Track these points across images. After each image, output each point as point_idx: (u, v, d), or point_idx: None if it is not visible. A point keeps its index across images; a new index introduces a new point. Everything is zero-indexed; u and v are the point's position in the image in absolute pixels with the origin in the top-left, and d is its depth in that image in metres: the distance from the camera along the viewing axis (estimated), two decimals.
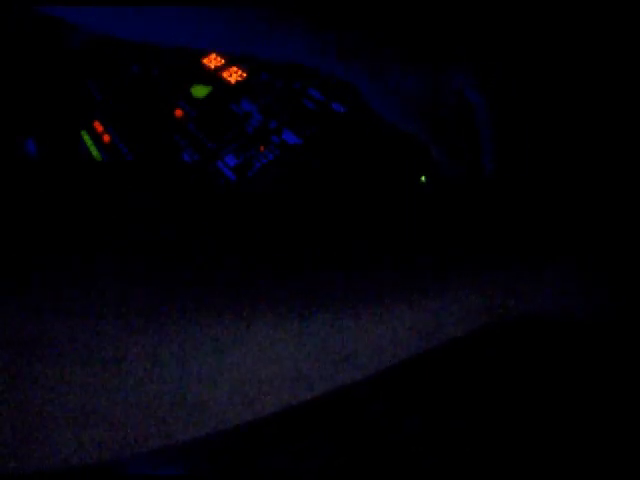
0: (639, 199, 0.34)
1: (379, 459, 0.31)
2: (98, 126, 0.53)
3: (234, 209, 0.31)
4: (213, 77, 0.55)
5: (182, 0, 0.40)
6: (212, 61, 0.57)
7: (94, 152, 0.51)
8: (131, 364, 0.21)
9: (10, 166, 0.30)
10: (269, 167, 0.45)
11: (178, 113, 0.52)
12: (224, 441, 0.30)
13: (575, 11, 0.45)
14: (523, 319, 0.29)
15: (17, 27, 0.60)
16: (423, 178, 0.42)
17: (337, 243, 0.29)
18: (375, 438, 0.31)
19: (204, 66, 0.57)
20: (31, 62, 0.59)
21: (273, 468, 0.31)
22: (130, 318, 0.22)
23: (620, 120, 0.41)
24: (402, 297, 0.26)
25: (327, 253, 0.27)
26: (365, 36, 0.39)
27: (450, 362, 0.33)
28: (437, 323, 0.26)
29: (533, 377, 0.33)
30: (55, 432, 0.21)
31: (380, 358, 0.26)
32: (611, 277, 0.30)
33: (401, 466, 0.31)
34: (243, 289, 0.24)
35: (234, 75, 0.55)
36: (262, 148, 0.47)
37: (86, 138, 0.52)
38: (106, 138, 0.52)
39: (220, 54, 0.57)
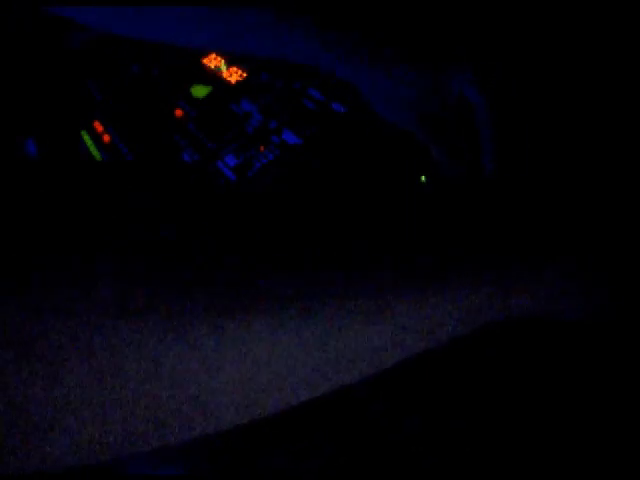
0: (639, 199, 0.34)
1: (379, 459, 0.31)
2: (98, 126, 0.53)
3: (234, 209, 0.31)
4: (213, 77, 0.55)
5: (183, 0, 0.40)
6: (212, 61, 0.57)
7: (94, 152, 0.51)
8: (131, 364, 0.21)
9: (10, 166, 0.30)
10: (269, 167, 0.45)
11: (178, 113, 0.52)
12: (224, 441, 0.30)
13: (575, 11, 0.45)
14: (523, 319, 0.29)
15: (17, 27, 0.60)
16: (423, 178, 0.42)
17: (337, 243, 0.29)
18: (375, 438, 0.31)
19: (204, 66, 0.57)
20: (31, 62, 0.59)
21: (273, 468, 0.31)
22: (130, 318, 0.22)
23: (620, 120, 0.41)
24: (402, 297, 0.26)
25: (327, 253, 0.27)
26: (365, 36, 0.39)
27: (450, 362, 0.33)
28: (437, 323, 0.26)
29: (533, 377, 0.33)
30: (55, 432, 0.21)
31: (380, 358, 0.26)
32: (611, 277, 0.30)
33: (401, 466, 0.31)
34: (243, 289, 0.24)
35: (234, 75, 0.55)
36: (262, 148, 0.47)
37: (86, 138, 0.52)
38: (106, 138, 0.52)
39: (220, 54, 0.57)
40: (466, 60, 0.39)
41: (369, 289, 0.26)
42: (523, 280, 0.28)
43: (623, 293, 0.30)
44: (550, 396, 0.32)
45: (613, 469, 0.29)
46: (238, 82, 0.54)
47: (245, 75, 0.54)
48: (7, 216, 0.23)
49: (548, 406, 0.32)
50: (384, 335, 0.25)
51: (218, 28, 0.41)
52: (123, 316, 0.22)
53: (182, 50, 0.57)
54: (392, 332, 0.25)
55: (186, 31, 0.42)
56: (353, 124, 0.47)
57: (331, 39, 0.39)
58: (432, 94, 0.39)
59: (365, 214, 0.40)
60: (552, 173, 0.39)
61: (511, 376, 0.33)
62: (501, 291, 0.27)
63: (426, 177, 0.42)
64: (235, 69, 0.55)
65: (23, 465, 0.21)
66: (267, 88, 0.52)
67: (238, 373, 0.23)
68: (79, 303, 0.21)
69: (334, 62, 0.40)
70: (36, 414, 0.20)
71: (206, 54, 0.58)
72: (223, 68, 0.56)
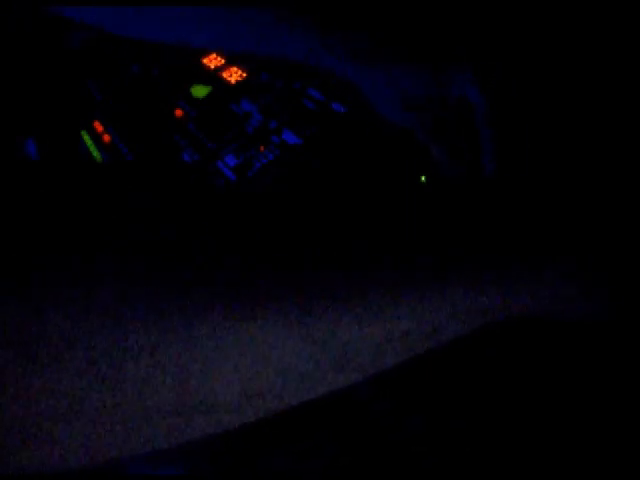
0: (639, 199, 0.34)
1: (382, 459, 0.31)
2: (98, 126, 0.53)
3: (234, 209, 0.31)
4: (213, 77, 0.55)
5: (188, 0, 0.40)
6: (212, 61, 0.57)
7: (94, 152, 0.51)
8: (131, 364, 0.21)
9: (10, 166, 0.30)
10: (269, 167, 0.45)
11: (178, 113, 0.52)
12: (224, 441, 0.30)
13: (575, 11, 0.45)
14: (523, 319, 0.29)
15: (17, 27, 0.60)
16: (423, 178, 0.42)
17: (337, 243, 0.29)
18: (377, 438, 0.31)
19: (204, 66, 0.57)
20: (31, 62, 0.59)
21: (274, 468, 0.31)
22: (130, 318, 0.22)
23: (620, 120, 0.41)
24: (402, 297, 0.26)
25: (327, 253, 0.27)
26: (365, 36, 0.39)
27: (450, 362, 0.33)
28: (437, 323, 0.26)
29: (533, 377, 0.33)
30: (55, 432, 0.21)
31: (380, 358, 0.26)
32: (611, 277, 0.30)
33: (403, 466, 0.31)
34: (243, 289, 0.24)
35: (234, 75, 0.55)
36: (262, 148, 0.47)
37: (86, 138, 0.52)
38: (106, 138, 0.52)
39: (220, 54, 0.57)
40: (466, 60, 0.39)
41: (369, 289, 0.26)
42: (523, 280, 0.28)
43: (623, 293, 0.30)
44: (550, 396, 0.32)
45: (613, 469, 0.29)
46: (238, 82, 0.54)
47: (245, 75, 0.54)
48: (7, 216, 0.23)
49: (548, 406, 0.32)
50: (384, 335, 0.25)
51: (218, 28, 0.41)
52: (123, 316, 0.22)
53: (182, 50, 0.57)
54: (392, 332, 0.25)
55: (186, 31, 0.42)
56: (353, 124, 0.47)
57: (331, 39, 0.39)
58: (432, 94, 0.39)
59: (365, 214, 0.40)
60: (552, 173, 0.39)
61: (511, 376, 0.33)
62: (501, 291, 0.27)
63: (426, 177, 0.42)
64: (235, 69, 0.55)
65: (23, 465, 0.21)
66: (267, 88, 0.52)
67: (238, 373, 0.23)
68: (79, 303, 0.21)
69: (334, 62, 0.40)
70: (36, 414, 0.20)
71: (206, 54, 0.58)
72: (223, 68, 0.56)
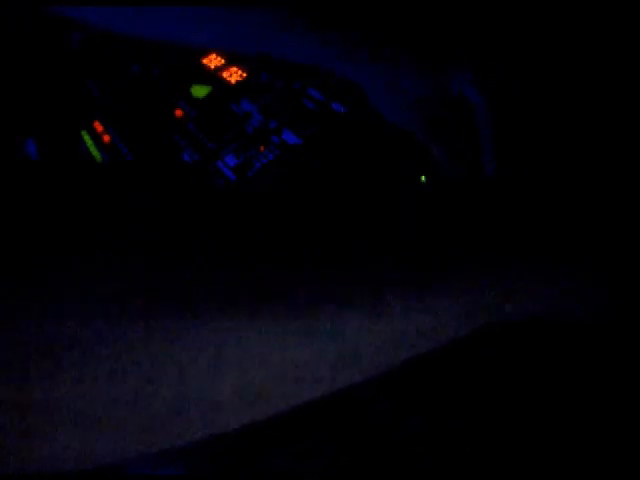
0: (639, 199, 0.34)
1: (382, 459, 0.31)
2: (98, 126, 0.53)
3: (234, 209, 0.31)
4: (213, 77, 0.55)
5: (188, 0, 0.40)
6: (212, 61, 0.57)
7: (94, 152, 0.51)
8: (131, 364, 0.21)
9: (10, 166, 0.30)
10: (269, 167, 0.45)
11: (178, 113, 0.52)
12: (225, 441, 0.30)
13: (575, 11, 0.45)
14: (523, 319, 0.29)
15: (17, 27, 0.60)
16: (423, 178, 0.42)
17: (337, 243, 0.29)
18: (378, 438, 0.31)
19: (204, 66, 0.57)
20: (31, 62, 0.59)
21: (274, 469, 0.31)
22: (130, 318, 0.22)
23: (620, 120, 0.41)
24: (402, 297, 0.26)
25: (327, 253, 0.27)
26: (365, 36, 0.39)
27: (450, 362, 0.33)
28: (437, 323, 0.26)
29: (533, 377, 0.33)
30: (55, 432, 0.21)
31: (380, 358, 0.26)
32: (611, 277, 0.30)
33: (404, 466, 0.31)
34: (243, 289, 0.24)
35: (234, 75, 0.55)
36: (262, 148, 0.47)
37: (86, 138, 0.52)
38: (106, 138, 0.52)
39: (220, 54, 0.57)
40: (466, 60, 0.39)
41: (369, 289, 0.26)
42: (523, 280, 0.28)
43: (623, 293, 0.30)
44: (550, 396, 0.32)
45: (613, 469, 0.29)
46: (238, 82, 0.54)
47: (245, 75, 0.54)
48: (7, 216, 0.23)
49: (548, 406, 0.32)
50: (384, 335, 0.25)
51: (218, 28, 0.41)
52: (123, 316, 0.22)
53: (182, 50, 0.57)
54: (392, 332, 0.25)
55: (186, 31, 0.42)
56: (353, 124, 0.47)
57: (331, 39, 0.39)
58: (432, 94, 0.39)
59: (365, 214, 0.40)
60: (552, 173, 0.39)
61: (511, 376, 0.33)
62: (501, 291, 0.27)
63: (426, 177, 0.42)
64: (235, 69, 0.55)
65: (23, 466, 0.21)
66: (267, 88, 0.52)
67: (238, 373, 0.23)
68: (79, 303, 0.21)
69: (334, 62, 0.40)
70: (36, 414, 0.20)
71: (206, 54, 0.58)
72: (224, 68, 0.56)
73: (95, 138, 0.52)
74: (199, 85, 0.55)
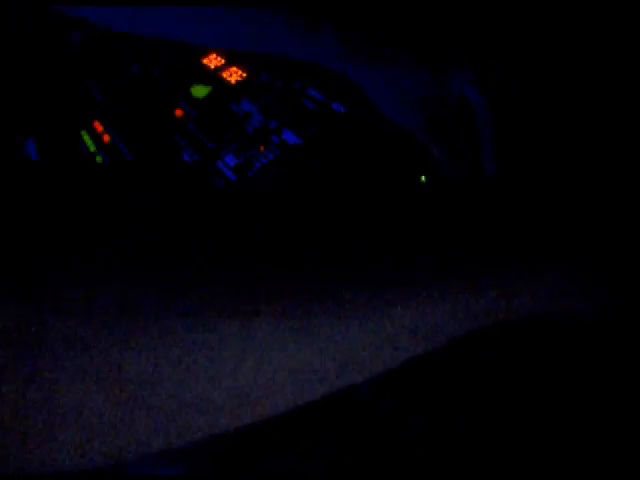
0: (639, 199, 0.34)
1: (383, 459, 0.31)
2: (98, 126, 0.53)
3: (234, 209, 0.31)
4: (213, 77, 0.55)
5: (192, 0, 0.40)
6: (212, 61, 0.57)
7: (94, 152, 0.51)
8: (131, 365, 0.21)
9: (10, 166, 0.30)
10: (269, 167, 0.45)
11: (178, 113, 0.52)
12: (225, 442, 0.30)
13: (575, 11, 0.45)
14: (523, 319, 0.29)
15: (17, 27, 0.60)
16: (423, 178, 0.42)
17: (337, 243, 0.29)
18: (379, 438, 0.31)
19: (204, 66, 0.57)
20: (31, 62, 0.59)
21: (275, 469, 0.31)
22: (130, 318, 0.22)
23: (620, 120, 0.41)
24: (402, 297, 0.26)
25: (327, 253, 0.27)
26: (365, 36, 0.39)
27: (451, 362, 0.33)
28: (437, 323, 0.26)
29: (533, 377, 0.33)
30: (55, 433, 0.21)
31: (381, 358, 0.26)
32: (611, 277, 0.30)
33: (405, 466, 0.31)
34: (243, 289, 0.24)
35: (234, 75, 0.55)
36: (262, 148, 0.47)
37: (86, 138, 0.52)
38: (106, 138, 0.52)
39: (220, 54, 0.57)
40: (466, 60, 0.39)
41: (369, 289, 0.26)
42: (523, 280, 0.28)
43: (623, 293, 0.30)
44: (550, 396, 0.32)
45: (613, 469, 0.29)
46: (238, 82, 0.54)
47: (245, 75, 0.54)
48: (7, 216, 0.23)
49: (548, 406, 0.32)
50: (384, 335, 0.25)
51: (218, 28, 0.41)
52: (123, 316, 0.22)
53: (182, 50, 0.57)
54: (392, 332, 0.25)
55: (186, 30, 0.42)
56: (353, 124, 0.47)
57: (331, 38, 0.39)
58: (432, 94, 0.39)
59: (365, 214, 0.40)
60: (552, 173, 0.39)
61: (511, 376, 0.33)
62: (501, 291, 0.27)
63: (426, 177, 0.42)
64: (235, 69, 0.55)
65: (23, 466, 0.21)
66: (267, 88, 0.52)
67: (239, 373, 0.23)
68: (79, 303, 0.21)
69: (334, 61, 0.40)
70: (36, 415, 0.20)
71: (206, 54, 0.58)
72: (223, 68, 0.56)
73: (95, 138, 0.52)
74: (199, 85, 0.55)
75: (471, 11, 0.45)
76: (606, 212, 0.34)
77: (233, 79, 0.54)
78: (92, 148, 0.51)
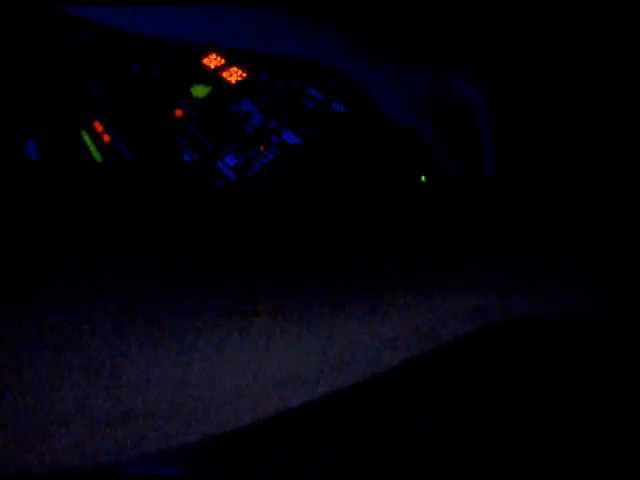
0: (639, 199, 0.34)
1: (383, 459, 0.31)
2: (98, 126, 0.53)
3: (234, 209, 0.31)
4: (213, 77, 0.55)
5: (190, 0, 0.40)
6: (212, 61, 0.57)
7: (94, 152, 0.51)
8: (131, 365, 0.21)
9: (10, 166, 0.30)
10: (269, 167, 0.45)
11: (178, 113, 0.52)
12: (225, 442, 0.30)
13: (574, 11, 0.45)
14: (523, 319, 0.29)
15: (17, 27, 0.60)
16: (423, 178, 0.42)
17: (337, 243, 0.29)
18: (379, 438, 0.31)
19: (204, 66, 0.57)
20: (31, 62, 0.59)
21: (275, 469, 0.31)
22: (130, 318, 0.22)
23: (620, 120, 0.41)
24: (402, 297, 0.26)
25: (327, 253, 0.27)
26: (365, 36, 0.39)
27: (451, 362, 0.33)
28: (437, 323, 0.26)
29: (533, 377, 0.33)
30: (55, 433, 0.21)
31: (381, 358, 0.26)
32: (611, 277, 0.30)
33: (405, 466, 0.31)
34: (243, 289, 0.24)
35: (234, 75, 0.55)
36: (262, 148, 0.47)
37: (86, 138, 0.52)
38: (106, 138, 0.52)
39: (220, 54, 0.57)
40: (466, 60, 0.39)
41: (369, 289, 0.26)
42: (523, 280, 0.28)
43: (623, 293, 0.30)
44: (550, 396, 0.32)
45: (613, 469, 0.29)
46: (238, 82, 0.54)
47: (245, 75, 0.54)
48: (7, 216, 0.23)
49: (548, 406, 0.32)
50: (384, 335, 0.25)
51: (218, 28, 0.41)
52: (123, 316, 0.22)
53: (182, 50, 0.57)
54: (392, 333, 0.25)
55: (186, 30, 0.42)
56: (353, 124, 0.47)
57: (331, 38, 0.39)
58: (432, 94, 0.39)
59: (365, 214, 0.40)
60: (552, 173, 0.39)
61: (511, 376, 0.33)
62: (501, 291, 0.27)
63: (426, 177, 0.42)
64: (235, 69, 0.55)
65: (23, 467, 0.21)
66: (267, 88, 0.52)
67: (238, 373, 0.23)
68: (79, 303, 0.21)
69: (334, 61, 0.40)
70: (36, 416, 0.20)
71: (206, 54, 0.58)
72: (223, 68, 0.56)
73: (95, 138, 0.52)
74: (199, 85, 0.55)
75: (470, 11, 0.45)
76: (606, 212, 0.34)
77: (233, 79, 0.54)
78: (92, 148, 0.51)
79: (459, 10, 0.45)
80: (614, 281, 0.30)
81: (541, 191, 0.37)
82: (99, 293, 0.22)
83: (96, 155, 0.50)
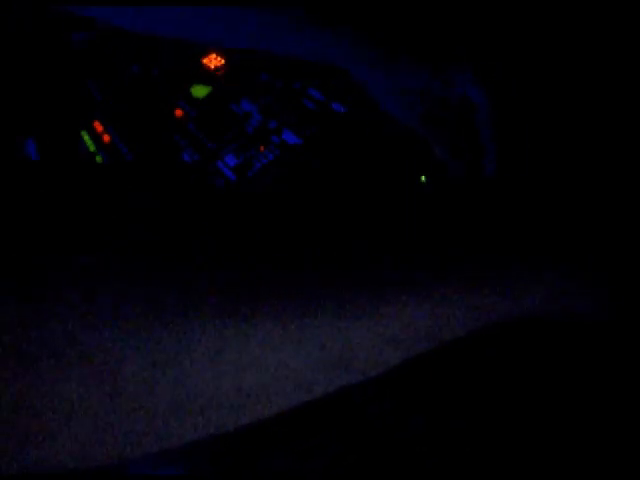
0: (639, 199, 0.34)
1: (383, 459, 0.31)
2: (98, 126, 0.53)
3: (234, 209, 0.31)
4: (213, 77, 0.55)
5: (191, 0, 0.40)
6: (212, 61, 0.57)
7: (94, 152, 0.51)
8: (131, 365, 0.21)
9: (10, 166, 0.30)
10: (269, 167, 0.45)
11: (178, 113, 0.52)
12: (225, 442, 0.30)
13: (574, 11, 0.45)
14: (523, 319, 0.29)
15: (17, 27, 0.60)
16: (423, 178, 0.42)
17: (337, 243, 0.29)
18: (379, 438, 0.31)
19: (204, 66, 0.57)
20: (31, 62, 0.59)
21: (275, 469, 0.31)
22: (130, 318, 0.22)
23: (620, 120, 0.41)
24: (402, 297, 0.26)
25: (327, 253, 0.27)
26: (365, 36, 0.39)
27: (451, 362, 0.33)
28: (437, 323, 0.26)
29: (533, 377, 0.33)
30: (55, 432, 0.21)
31: (381, 358, 0.26)
32: (611, 277, 0.30)
33: (405, 465, 0.31)
34: (243, 289, 0.24)
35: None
36: (262, 148, 0.47)
37: (86, 138, 0.52)
38: (106, 138, 0.52)
39: (220, 54, 0.57)
40: (466, 60, 0.39)
41: (369, 289, 0.26)
42: (523, 280, 0.28)
43: (623, 293, 0.30)
44: (550, 396, 0.32)
45: (613, 469, 0.29)
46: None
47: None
48: (7, 216, 0.23)
49: (548, 406, 0.32)
50: (384, 336, 0.25)
51: (218, 27, 0.41)
52: (123, 316, 0.22)
53: (182, 50, 0.57)
54: (392, 333, 0.25)
55: (186, 30, 0.42)
56: (353, 124, 0.47)
57: (331, 38, 0.39)
58: (433, 94, 0.39)
59: (365, 214, 0.40)
60: (552, 173, 0.39)
61: (511, 376, 0.33)
62: (501, 291, 0.27)
63: (426, 177, 0.42)
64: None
65: (23, 467, 0.21)
66: (267, 88, 0.52)
67: (238, 373, 0.23)
68: (79, 303, 0.21)
69: (335, 60, 0.40)
70: (36, 416, 0.20)
71: (206, 54, 0.58)
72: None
73: (95, 138, 0.52)
74: (199, 85, 0.55)
75: (471, 11, 0.45)
76: (606, 212, 0.34)
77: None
78: (92, 148, 0.51)
79: (459, 10, 0.45)
80: (614, 281, 0.30)
81: (541, 191, 0.37)
82: (99, 293, 0.22)
83: (96, 155, 0.50)
